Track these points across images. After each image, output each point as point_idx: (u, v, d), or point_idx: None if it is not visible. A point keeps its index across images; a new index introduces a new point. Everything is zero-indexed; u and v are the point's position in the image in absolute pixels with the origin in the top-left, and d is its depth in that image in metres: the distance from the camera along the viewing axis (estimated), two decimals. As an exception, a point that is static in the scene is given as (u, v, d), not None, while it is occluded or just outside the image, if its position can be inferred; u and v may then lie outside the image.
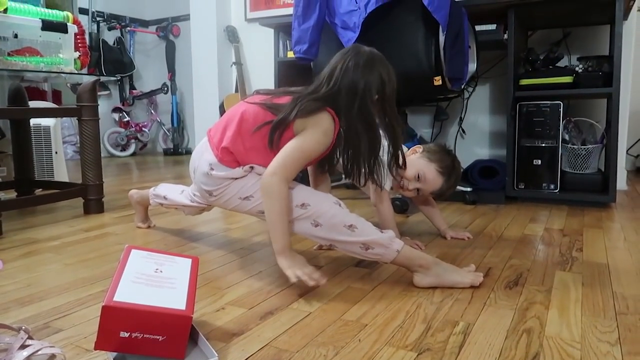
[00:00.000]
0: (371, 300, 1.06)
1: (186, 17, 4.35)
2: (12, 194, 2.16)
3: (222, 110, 3.47)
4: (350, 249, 1.12)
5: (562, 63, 2.39)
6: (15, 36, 1.79)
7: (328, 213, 1.10)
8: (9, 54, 1.78)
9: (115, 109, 4.94)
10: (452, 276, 1.13)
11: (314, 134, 1.11)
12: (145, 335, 0.75)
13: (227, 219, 1.89)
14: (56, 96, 4.10)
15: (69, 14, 1.98)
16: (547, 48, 2.38)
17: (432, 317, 0.97)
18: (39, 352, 0.75)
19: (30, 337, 0.79)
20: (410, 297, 1.07)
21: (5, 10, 1.73)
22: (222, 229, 1.73)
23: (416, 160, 1.45)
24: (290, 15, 1.97)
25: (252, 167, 1.17)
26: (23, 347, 0.76)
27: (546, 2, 2.05)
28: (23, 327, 0.80)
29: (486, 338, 0.87)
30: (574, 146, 2.20)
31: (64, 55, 1.93)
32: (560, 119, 2.11)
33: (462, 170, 1.52)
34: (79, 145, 4.46)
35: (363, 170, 1.19)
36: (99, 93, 4.68)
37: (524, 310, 1.00)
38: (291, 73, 2.88)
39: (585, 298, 1.06)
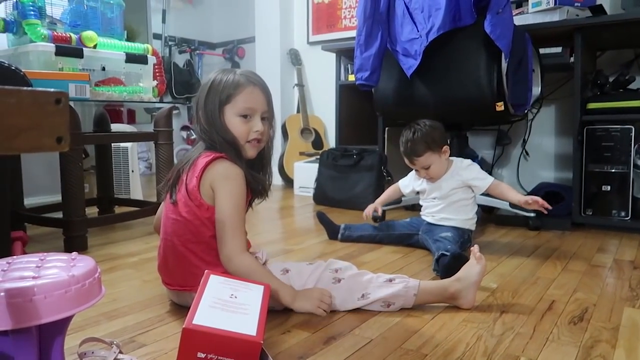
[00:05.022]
0: (431, 329, 1.08)
1: (251, 40, 4.53)
2: (94, 210, 2.35)
3: (284, 130, 3.60)
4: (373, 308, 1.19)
5: (635, 85, 2.29)
6: (103, 69, 1.97)
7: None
8: (96, 84, 1.97)
9: (184, 127, 5.21)
10: (474, 277, 1.19)
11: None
12: (219, 357, 0.82)
13: (289, 240, 1.97)
14: (130, 115, 4.41)
15: (149, 46, 2.15)
16: (617, 70, 2.30)
17: (492, 350, 0.98)
18: (129, 366, 0.84)
19: (121, 352, 0.89)
20: (471, 328, 1.09)
21: (95, 46, 1.92)
22: (284, 250, 1.80)
23: None
24: (351, 37, 2.04)
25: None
26: (115, 360, 0.85)
27: (617, 24, 1.99)
28: (115, 342, 0.90)
29: (548, 376, 0.88)
30: (647, 172, 2.11)
31: (144, 84, 2.10)
32: (631, 144, 2.03)
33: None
34: (150, 161, 4.75)
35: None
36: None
37: (589, 348, 0.99)
38: (352, 96, 2.95)
39: (656, 338, 1.03)
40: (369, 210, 1.84)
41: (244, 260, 1.09)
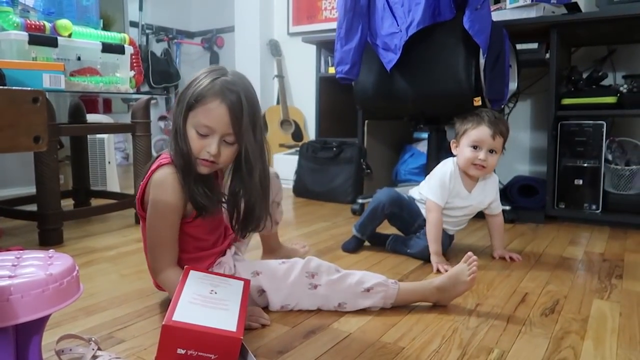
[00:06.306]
0: (408, 322, 1.10)
1: (230, 29, 4.48)
2: (69, 202, 2.30)
3: (264, 122, 3.58)
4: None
5: (608, 81, 2.35)
6: (78, 58, 1.93)
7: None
8: (71, 74, 1.92)
9: (161, 117, 5.14)
10: (457, 292, 1.18)
11: None
12: (199, 353, 0.83)
13: (269, 233, 1.97)
14: (107, 104, 4.32)
15: (126, 35, 2.11)
16: (590, 66, 2.35)
17: (467, 342, 1.01)
18: (107, 363, 0.84)
19: (99, 348, 0.88)
20: (447, 321, 1.11)
21: (70, 35, 1.88)
22: (265, 243, 1.80)
23: (460, 141, 1.58)
24: (332, 29, 2.04)
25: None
26: (94, 357, 0.85)
27: (591, 22, 2.04)
28: (93, 339, 0.89)
29: (520, 367, 0.91)
30: (618, 166, 2.17)
31: (121, 75, 2.06)
32: (603, 139, 2.09)
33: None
34: (127, 152, 4.67)
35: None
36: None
37: (559, 339, 1.02)
38: (332, 88, 2.95)
39: (622, 329, 1.07)
40: (442, 268, 1.47)
41: (168, 277, 1.05)
